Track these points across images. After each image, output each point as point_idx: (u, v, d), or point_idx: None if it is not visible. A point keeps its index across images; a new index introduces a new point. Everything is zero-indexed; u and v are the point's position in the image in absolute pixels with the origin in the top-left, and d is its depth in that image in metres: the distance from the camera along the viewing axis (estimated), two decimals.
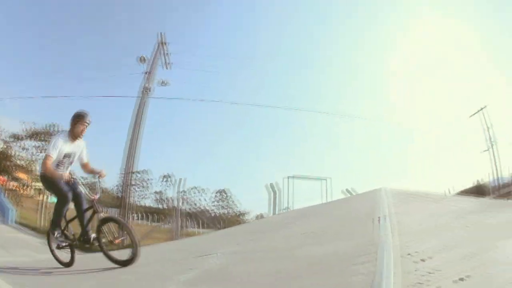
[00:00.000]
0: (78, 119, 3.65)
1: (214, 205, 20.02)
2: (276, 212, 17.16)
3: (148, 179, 18.54)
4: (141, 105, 17.99)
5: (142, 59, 18.72)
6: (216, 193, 20.12)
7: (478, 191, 24.25)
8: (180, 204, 17.91)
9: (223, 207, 20.20)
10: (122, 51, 35.50)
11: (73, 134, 3.63)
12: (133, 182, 17.77)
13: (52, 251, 3.74)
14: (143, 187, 18.56)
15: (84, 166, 3.87)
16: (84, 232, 3.60)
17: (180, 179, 17.53)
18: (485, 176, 24.83)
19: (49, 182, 3.57)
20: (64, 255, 3.76)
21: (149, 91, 18.30)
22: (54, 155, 3.44)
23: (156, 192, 18.98)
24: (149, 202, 19.19)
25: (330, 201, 14.86)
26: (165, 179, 18.58)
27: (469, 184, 25.49)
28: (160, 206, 19.14)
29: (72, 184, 3.59)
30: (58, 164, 3.57)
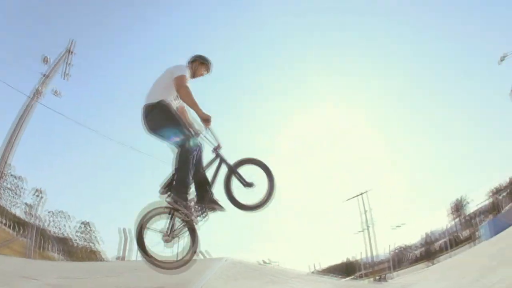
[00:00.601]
0: (206, 63, 3.36)
1: (77, 235, 19.39)
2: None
3: (22, 187, 17.65)
4: (28, 106, 16.13)
5: (45, 60, 16.98)
6: (81, 223, 19.51)
7: (348, 267, 29.64)
8: (46, 224, 17.34)
9: (85, 239, 19.61)
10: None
11: (192, 75, 3.23)
12: (7, 185, 16.73)
13: (144, 248, 2.74)
14: (16, 194, 17.63)
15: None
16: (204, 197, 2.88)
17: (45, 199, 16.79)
18: (358, 254, 29.65)
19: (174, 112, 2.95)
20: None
21: (39, 95, 16.47)
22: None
23: (26, 204, 17.96)
24: (18, 211, 18.04)
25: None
26: (37, 193, 17.82)
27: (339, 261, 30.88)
28: (27, 218, 17.76)
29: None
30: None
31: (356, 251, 30.34)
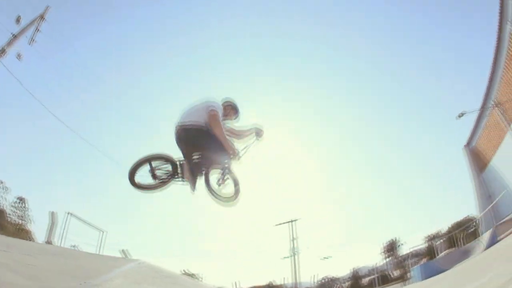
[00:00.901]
0: (237, 111, 3.93)
1: (11, 210, 17.85)
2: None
3: None
4: None
5: (18, 19, 16.09)
6: (17, 198, 18.11)
7: None
8: None
9: (18, 215, 18.07)
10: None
11: (224, 115, 3.68)
12: None
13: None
14: None
15: None
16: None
17: None
18: (282, 279, 30.35)
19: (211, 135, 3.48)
20: None
21: (3, 54, 15.52)
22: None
23: None
24: None
25: None
26: None
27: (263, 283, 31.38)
28: None
29: None
30: None
31: (281, 276, 31.23)
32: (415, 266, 19.24)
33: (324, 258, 31.62)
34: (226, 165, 3.77)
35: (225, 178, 3.85)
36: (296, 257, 29.67)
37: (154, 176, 3.59)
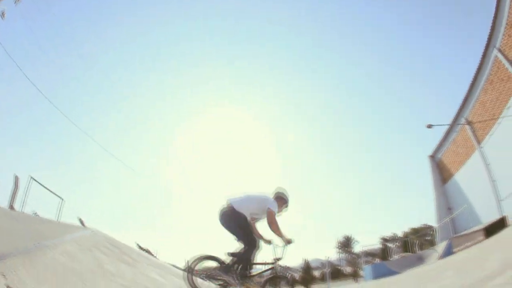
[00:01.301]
0: (286, 202, 4.29)
1: None
2: None
3: None
4: None
5: None
6: None
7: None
8: None
9: None
10: None
11: (277, 210, 4.09)
12: None
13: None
14: None
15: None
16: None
17: None
18: None
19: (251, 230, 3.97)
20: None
21: None
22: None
23: None
24: None
25: None
26: None
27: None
28: None
29: None
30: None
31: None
32: (368, 265, 19.68)
33: (276, 244, 31.94)
34: (274, 265, 4.07)
35: (276, 283, 4.03)
36: None
37: (208, 276, 3.96)
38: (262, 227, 4.14)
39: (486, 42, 15.06)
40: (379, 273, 15.29)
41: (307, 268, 35.30)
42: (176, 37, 63.88)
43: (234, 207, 3.85)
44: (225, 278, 3.68)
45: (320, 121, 72.61)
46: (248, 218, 3.90)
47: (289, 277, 4.38)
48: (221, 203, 3.99)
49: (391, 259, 19.16)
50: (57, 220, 13.03)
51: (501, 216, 10.95)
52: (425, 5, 53.08)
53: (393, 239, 26.58)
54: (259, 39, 66.54)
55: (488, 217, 14.29)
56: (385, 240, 26.63)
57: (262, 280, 3.93)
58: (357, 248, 31.95)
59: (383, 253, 23.04)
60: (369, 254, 26.57)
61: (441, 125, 19.31)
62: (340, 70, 69.77)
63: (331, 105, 71.29)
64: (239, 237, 3.85)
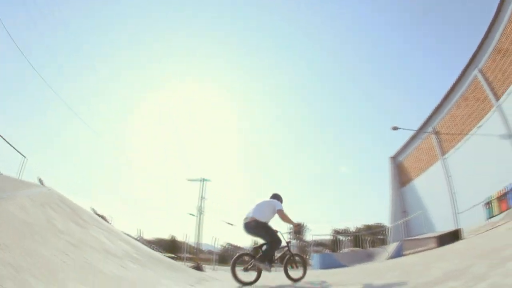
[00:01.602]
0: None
1: None
2: None
3: None
4: None
5: None
6: None
7: (172, 244, 33.42)
8: None
9: None
10: None
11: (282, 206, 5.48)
12: None
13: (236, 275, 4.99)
14: None
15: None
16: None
17: None
18: (183, 235, 33.66)
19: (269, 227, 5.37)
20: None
21: None
22: None
23: None
24: None
25: None
26: None
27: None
28: None
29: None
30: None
31: (183, 233, 32.61)
32: (316, 254, 19.77)
33: (228, 223, 32.09)
34: (287, 247, 5.54)
35: (294, 261, 5.58)
36: (201, 216, 29.36)
37: (246, 269, 5.15)
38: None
39: (469, 60, 15.34)
40: (326, 264, 15.43)
41: (256, 250, 35.50)
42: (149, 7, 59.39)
43: (256, 218, 5.13)
44: (260, 266, 4.95)
45: (285, 106, 72.73)
46: (268, 223, 5.24)
47: (300, 254, 6.11)
48: (243, 218, 5.31)
49: (340, 251, 19.57)
50: (18, 177, 12.59)
51: (456, 228, 11.38)
52: (417, 9, 54.05)
53: (345, 232, 27.60)
54: (228, 15, 64.11)
55: (443, 227, 14.94)
56: (337, 232, 27.58)
57: (284, 261, 5.44)
58: (308, 237, 32.91)
59: (333, 244, 23.77)
60: (320, 244, 27.37)
61: (407, 129, 19.79)
62: (313, 62, 69.90)
63: (298, 88, 71.66)
64: (266, 238, 5.13)
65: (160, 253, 12.39)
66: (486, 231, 9.22)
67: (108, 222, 17.10)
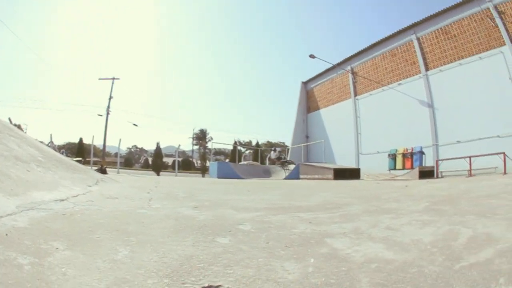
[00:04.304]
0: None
1: None
2: None
3: None
4: None
5: None
6: None
7: (80, 148, 33.48)
8: None
9: None
10: None
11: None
12: None
13: None
14: None
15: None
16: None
17: None
18: (90, 138, 29.66)
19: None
20: None
21: None
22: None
23: None
24: None
25: None
26: None
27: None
28: None
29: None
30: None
31: (90, 135, 29.88)
32: (214, 162, 19.55)
33: (133, 124, 29.90)
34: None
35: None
36: (108, 117, 26.45)
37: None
38: None
39: (409, 25, 15.54)
40: (223, 173, 15.21)
41: (158, 153, 34.28)
42: None
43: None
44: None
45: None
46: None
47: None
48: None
49: (239, 163, 19.95)
50: None
51: (356, 167, 12.43)
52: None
53: (245, 144, 28.28)
54: None
55: (343, 162, 16.55)
56: (239, 143, 28.33)
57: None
58: (210, 145, 33.09)
59: (233, 155, 24.16)
60: (221, 152, 28.01)
61: (325, 61, 19.79)
62: None
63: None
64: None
65: (68, 158, 10.50)
66: (385, 180, 10.25)
67: (22, 130, 14.92)
